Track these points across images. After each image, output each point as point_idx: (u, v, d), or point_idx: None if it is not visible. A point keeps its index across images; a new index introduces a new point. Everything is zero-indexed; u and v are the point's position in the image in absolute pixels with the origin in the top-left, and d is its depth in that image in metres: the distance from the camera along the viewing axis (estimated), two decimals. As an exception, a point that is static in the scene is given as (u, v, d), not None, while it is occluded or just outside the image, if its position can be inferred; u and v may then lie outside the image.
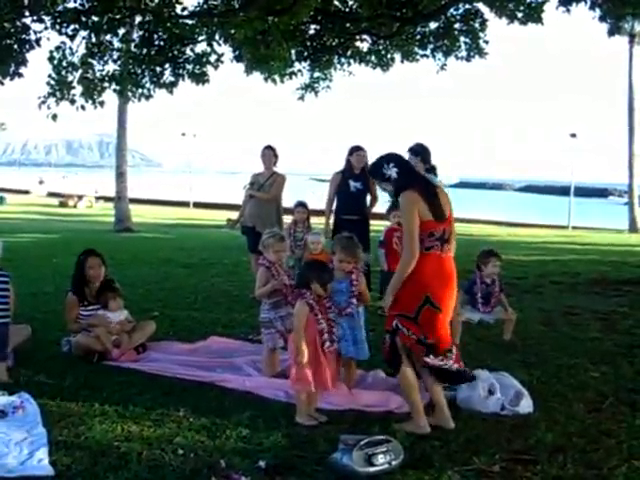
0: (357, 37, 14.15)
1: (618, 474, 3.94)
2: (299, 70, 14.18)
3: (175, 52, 12.34)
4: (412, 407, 4.68)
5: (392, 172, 4.73)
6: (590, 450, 4.28)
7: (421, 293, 4.53)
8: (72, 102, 11.47)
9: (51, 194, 53.52)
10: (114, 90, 12.16)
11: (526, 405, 4.98)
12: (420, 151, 8.08)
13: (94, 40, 11.59)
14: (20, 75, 11.15)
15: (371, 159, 8.84)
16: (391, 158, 4.82)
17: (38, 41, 11.00)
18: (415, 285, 4.53)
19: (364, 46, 14.47)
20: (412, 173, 4.84)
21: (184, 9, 12.17)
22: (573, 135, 40.20)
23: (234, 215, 9.86)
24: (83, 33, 11.32)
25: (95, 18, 10.96)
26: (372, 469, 3.85)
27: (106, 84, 11.89)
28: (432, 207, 4.56)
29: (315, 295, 4.83)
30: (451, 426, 4.63)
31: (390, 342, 4.71)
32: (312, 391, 4.76)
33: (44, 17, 10.84)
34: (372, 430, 4.45)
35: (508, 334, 7.11)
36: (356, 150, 8.77)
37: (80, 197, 44.85)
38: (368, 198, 8.95)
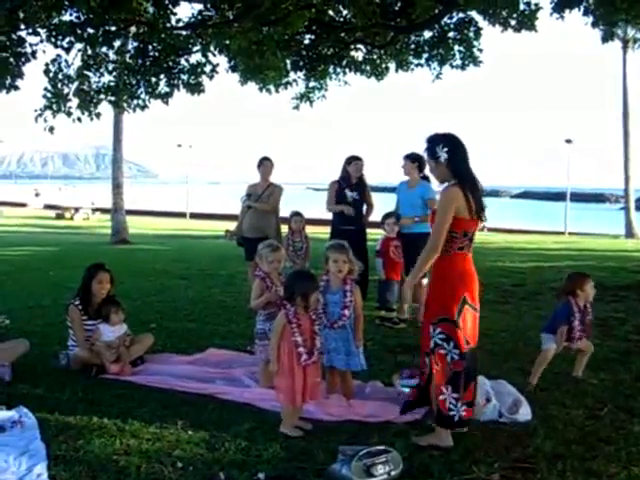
0: (352, 46, 14.22)
1: (617, 481, 3.95)
2: (294, 80, 14.27)
3: (170, 63, 12.40)
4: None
5: (442, 153, 4.53)
6: (589, 457, 4.28)
7: (459, 295, 4.45)
8: (68, 114, 11.52)
9: (48, 206, 53.48)
10: (109, 101, 12.21)
11: (525, 413, 4.98)
12: (417, 158, 8.21)
13: (89, 52, 11.63)
14: (16, 88, 11.17)
15: (366, 169, 8.97)
16: (446, 139, 4.60)
17: (34, 54, 11.02)
18: (451, 286, 4.48)
19: (359, 55, 14.56)
20: (464, 162, 4.59)
21: (179, 20, 12.23)
22: (568, 141, 40.31)
23: (231, 225, 9.86)
24: (79, 45, 11.35)
25: (90, 30, 10.97)
26: (371, 480, 3.84)
27: (102, 95, 11.96)
28: (470, 204, 4.44)
29: (298, 306, 4.76)
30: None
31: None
32: (294, 403, 4.71)
33: (39, 30, 10.85)
34: (371, 441, 4.44)
35: (580, 370, 6.08)
36: (354, 160, 8.80)
37: (77, 209, 44.92)
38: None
